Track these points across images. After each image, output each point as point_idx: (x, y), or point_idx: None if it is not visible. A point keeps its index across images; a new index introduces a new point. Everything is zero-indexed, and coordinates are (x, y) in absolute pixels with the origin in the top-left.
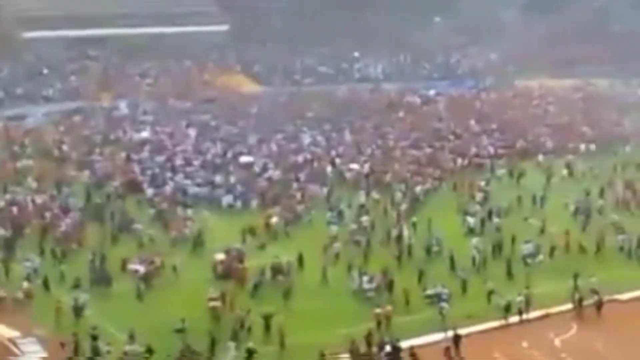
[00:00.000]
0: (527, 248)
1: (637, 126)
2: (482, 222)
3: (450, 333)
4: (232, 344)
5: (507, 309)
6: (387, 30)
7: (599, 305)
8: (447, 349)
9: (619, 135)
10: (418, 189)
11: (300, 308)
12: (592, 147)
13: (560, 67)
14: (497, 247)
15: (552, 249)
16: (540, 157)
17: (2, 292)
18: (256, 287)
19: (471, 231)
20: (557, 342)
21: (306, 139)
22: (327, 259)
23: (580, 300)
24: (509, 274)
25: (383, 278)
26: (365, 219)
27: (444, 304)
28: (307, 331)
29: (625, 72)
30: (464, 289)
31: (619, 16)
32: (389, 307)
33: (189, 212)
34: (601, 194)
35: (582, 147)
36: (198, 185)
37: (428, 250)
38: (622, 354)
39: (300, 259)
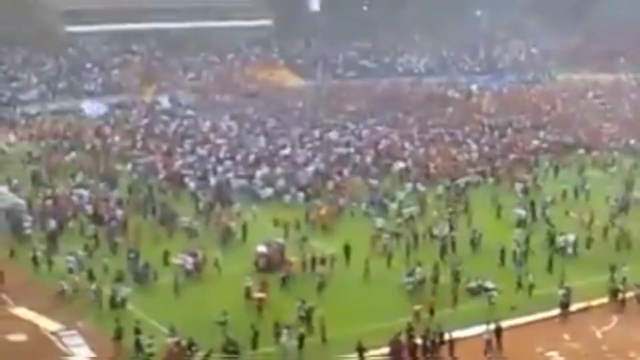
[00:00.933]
0: (565, 240)
1: None
2: (529, 216)
3: (492, 326)
4: (286, 331)
5: (550, 301)
6: (429, 24)
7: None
8: (489, 341)
9: None
10: (462, 182)
11: (342, 301)
12: None
13: (600, 61)
14: (546, 240)
15: (589, 241)
16: (598, 153)
17: (46, 285)
18: (290, 280)
19: (519, 224)
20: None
21: (349, 132)
22: (373, 252)
23: (617, 292)
24: (550, 267)
25: (427, 271)
26: (409, 211)
27: (493, 293)
28: (348, 324)
29: None
30: (509, 281)
31: None
32: (430, 299)
33: (234, 205)
34: None
35: None
36: (241, 177)
37: (473, 243)
38: None
39: (347, 251)
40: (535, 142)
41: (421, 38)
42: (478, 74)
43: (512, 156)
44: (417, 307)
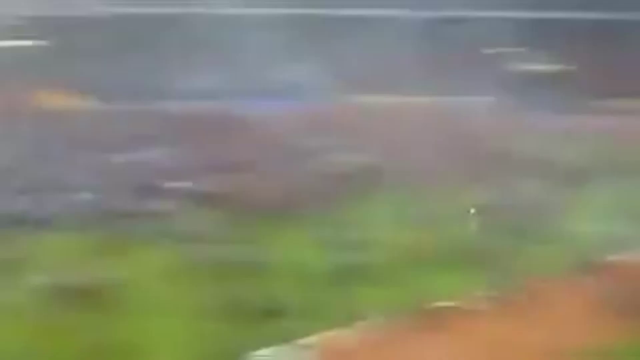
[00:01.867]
0: None
1: None
2: None
3: None
4: None
5: None
6: (212, 45)
7: None
8: None
9: None
10: None
11: None
12: None
13: (386, 83)
14: None
15: None
16: None
17: None
18: None
19: None
20: None
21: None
22: None
23: None
24: None
25: None
26: None
27: None
28: None
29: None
30: None
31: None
32: None
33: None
34: None
35: None
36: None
37: None
38: None
39: None
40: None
41: (205, 60)
42: (265, 96)
43: None
44: None
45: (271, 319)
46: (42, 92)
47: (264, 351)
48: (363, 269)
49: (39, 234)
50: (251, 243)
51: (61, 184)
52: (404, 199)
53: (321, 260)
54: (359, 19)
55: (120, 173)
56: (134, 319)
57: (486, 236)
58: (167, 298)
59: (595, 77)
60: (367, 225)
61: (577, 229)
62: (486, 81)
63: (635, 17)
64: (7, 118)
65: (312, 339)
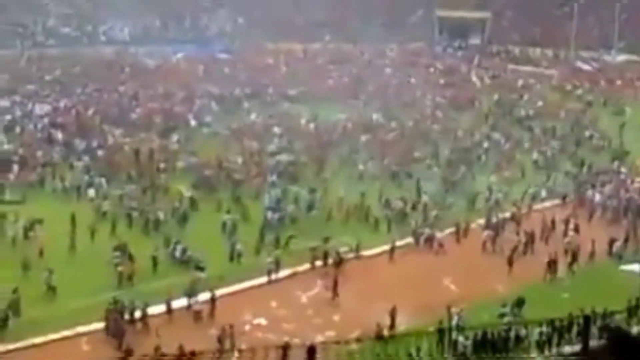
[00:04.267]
0: None
1: None
2: None
3: (202, 296)
4: None
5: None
6: None
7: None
8: (197, 312)
9: None
10: None
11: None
12: None
13: (310, 31)
14: None
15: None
16: None
17: None
18: None
19: None
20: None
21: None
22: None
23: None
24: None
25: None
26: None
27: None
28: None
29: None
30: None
31: None
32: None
33: None
34: None
35: None
36: None
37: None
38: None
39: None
40: None
41: (125, 6)
42: (184, 43)
43: None
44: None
45: None
46: None
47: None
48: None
49: None
50: None
51: None
52: None
53: None
54: None
55: None
56: None
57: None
58: None
59: None
60: None
61: None
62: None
63: None
64: None
65: None
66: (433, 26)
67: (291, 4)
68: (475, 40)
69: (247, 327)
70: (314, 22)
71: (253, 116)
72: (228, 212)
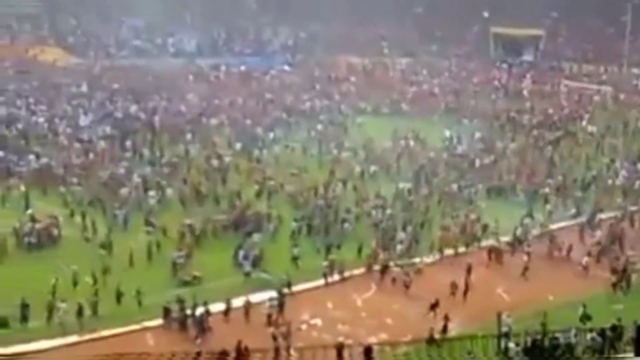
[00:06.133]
0: None
1: None
2: None
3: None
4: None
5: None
6: (200, 5)
7: None
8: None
9: None
10: None
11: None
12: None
13: (367, 45)
14: None
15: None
16: None
17: None
18: None
19: None
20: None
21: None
22: None
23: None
24: None
25: None
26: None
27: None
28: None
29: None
30: None
31: None
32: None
33: None
34: None
35: None
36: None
37: None
38: None
39: None
40: None
41: (193, 19)
42: (248, 56)
43: None
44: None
45: None
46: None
47: None
48: None
49: None
50: None
51: None
52: None
53: None
54: None
55: None
56: None
57: None
58: None
59: None
60: None
61: None
62: None
63: None
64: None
65: None
66: (488, 42)
67: (352, 19)
68: (528, 57)
69: (303, 327)
70: (373, 36)
71: (320, 127)
72: (295, 220)
